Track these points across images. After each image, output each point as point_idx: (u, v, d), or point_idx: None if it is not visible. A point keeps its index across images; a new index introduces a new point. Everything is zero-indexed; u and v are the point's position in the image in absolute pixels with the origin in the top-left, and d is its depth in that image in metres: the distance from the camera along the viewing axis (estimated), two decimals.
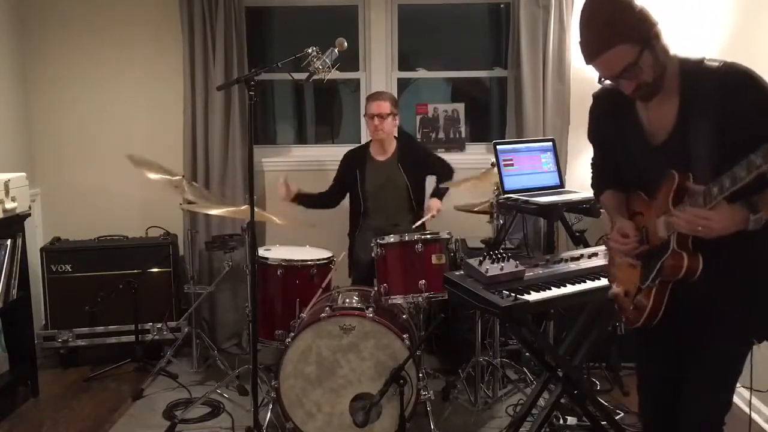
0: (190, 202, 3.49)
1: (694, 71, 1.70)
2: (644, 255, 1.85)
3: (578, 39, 1.74)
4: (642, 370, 2.12)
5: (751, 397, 2.08)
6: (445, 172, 3.71)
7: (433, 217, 3.53)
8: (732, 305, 1.75)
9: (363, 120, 4.28)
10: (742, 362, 1.82)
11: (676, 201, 1.71)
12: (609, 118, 1.92)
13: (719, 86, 1.63)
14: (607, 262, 2.12)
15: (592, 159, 2.13)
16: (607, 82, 1.75)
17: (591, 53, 1.71)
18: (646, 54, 1.65)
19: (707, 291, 1.75)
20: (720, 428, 1.83)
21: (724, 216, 1.59)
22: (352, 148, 3.87)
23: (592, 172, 2.14)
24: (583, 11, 1.73)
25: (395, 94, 4.16)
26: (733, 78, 1.64)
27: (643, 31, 1.66)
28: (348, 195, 3.79)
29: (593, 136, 2.03)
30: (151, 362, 3.71)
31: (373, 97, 3.65)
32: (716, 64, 1.68)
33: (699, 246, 1.69)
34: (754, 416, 3.08)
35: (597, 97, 1.97)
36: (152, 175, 3.37)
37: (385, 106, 3.58)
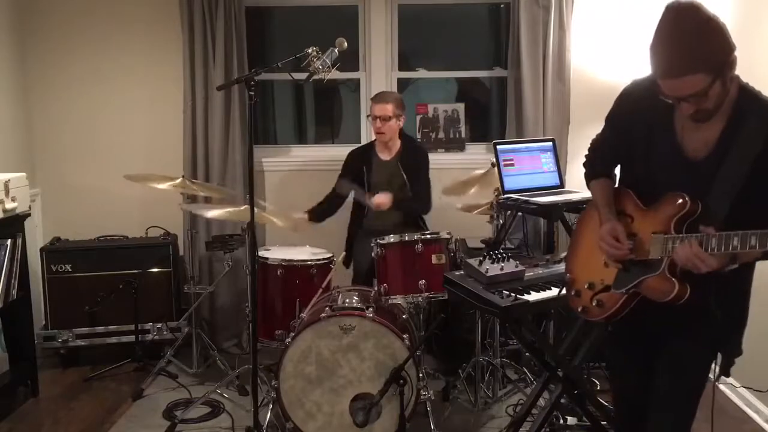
0: (192, 198, 3.49)
1: (750, 104, 1.67)
2: (626, 261, 1.83)
3: (655, 49, 1.63)
4: (613, 376, 2.12)
5: (714, 392, 2.06)
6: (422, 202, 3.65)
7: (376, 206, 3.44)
8: (700, 320, 1.75)
9: (364, 120, 4.30)
10: (706, 373, 1.82)
11: (678, 227, 1.69)
12: (642, 112, 1.84)
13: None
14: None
15: (598, 138, 2.04)
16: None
17: (666, 73, 1.63)
18: (717, 84, 1.59)
19: (677, 308, 1.74)
20: None
21: (715, 262, 1.62)
22: (357, 146, 3.86)
23: (589, 153, 2.05)
24: (669, 23, 1.61)
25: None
26: None
27: (722, 60, 1.59)
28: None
29: (614, 120, 1.95)
30: (151, 362, 3.70)
31: (376, 99, 3.61)
32: None
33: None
34: (754, 416, 3.08)
35: (637, 84, 1.87)
36: (160, 186, 3.41)
37: (388, 109, 3.54)
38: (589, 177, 2.03)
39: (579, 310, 1.93)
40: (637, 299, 1.78)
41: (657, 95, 1.71)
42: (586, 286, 1.92)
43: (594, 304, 1.87)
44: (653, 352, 1.86)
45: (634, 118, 1.86)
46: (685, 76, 1.58)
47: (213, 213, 3.31)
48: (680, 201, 1.69)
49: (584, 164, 2.07)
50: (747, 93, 1.69)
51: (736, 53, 1.60)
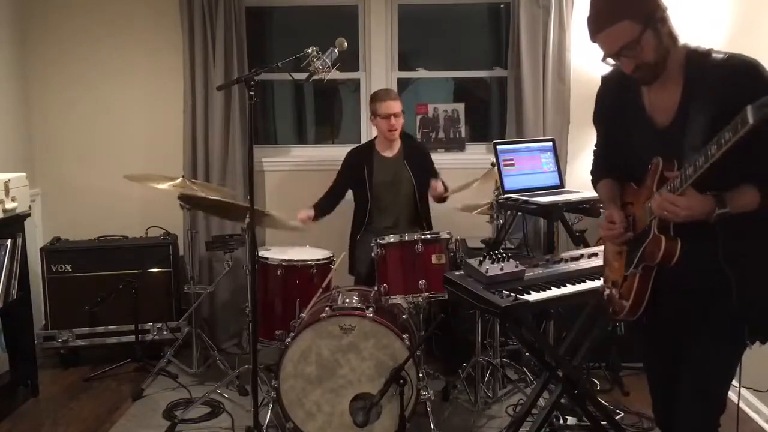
0: (191, 198, 3.51)
1: (700, 61, 1.72)
2: (631, 242, 1.87)
3: (587, 15, 1.76)
4: (646, 366, 2.13)
5: (739, 395, 2.07)
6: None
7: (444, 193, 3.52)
8: (721, 302, 1.74)
9: (364, 120, 4.29)
10: (733, 363, 1.81)
11: (660, 187, 1.73)
12: (614, 99, 1.94)
13: (725, 77, 1.64)
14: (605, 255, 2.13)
15: (594, 146, 2.15)
16: (610, 60, 1.76)
17: (594, 28, 1.73)
18: (648, 34, 1.67)
19: (696, 287, 1.76)
20: (713, 430, 1.83)
21: (692, 203, 1.63)
22: (356, 146, 3.86)
23: (592, 161, 2.16)
24: None
25: None
26: (739, 67, 1.65)
27: (648, 10, 1.68)
28: (352, 195, 3.77)
29: (597, 118, 2.05)
30: (151, 362, 3.70)
31: (383, 97, 3.60)
32: (722, 55, 1.69)
33: (687, 236, 1.70)
34: (754, 416, 3.08)
35: (605, 78, 1.98)
36: (160, 186, 3.42)
37: (398, 105, 3.59)
38: (594, 183, 2.12)
39: (611, 311, 1.95)
40: (652, 277, 1.79)
41: (623, 80, 1.81)
42: (611, 285, 1.96)
43: (618, 298, 1.90)
44: (678, 348, 1.86)
45: (609, 107, 1.96)
46: (612, 26, 1.68)
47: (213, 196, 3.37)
48: (654, 164, 1.75)
49: (591, 172, 2.15)
50: (696, 54, 1.74)
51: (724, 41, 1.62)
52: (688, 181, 1.60)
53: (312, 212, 3.62)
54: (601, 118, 2.03)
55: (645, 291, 1.80)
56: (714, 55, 1.71)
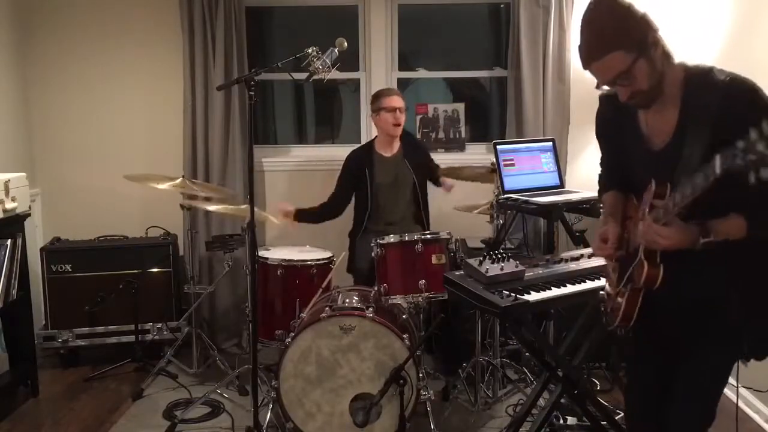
0: (192, 198, 3.50)
1: (698, 82, 1.68)
2: (624, 258, 1.87)
3: (579, 42, 1.73)
4: (631, 372, 2.12)
5: (738, 395, 2.07)
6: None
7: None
8: (720, 318, 1.73)
9: (364, 120, 4.29)
10: (725, 376, 1.81)
11: (652, 210, 1.71)
12: (612, 117, 1.92)
13: (722, 99, 1.61)
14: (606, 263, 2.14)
15: (600, 158, 2.14)
16: (605, 87, 1.74)
17: (586, 59, 1.71)
18: (640, 62, 1.63)
19: (693, 301, 1.75)
20: None
21: (673, 234, 1.63)
22: (356, 148, 3.85)
23: (599, 172, 2.16)
24: (583, 15, 1.71)
25: None
26: (737, 90, 1.61)
27: (639, 38, 1.63)
28: (354, 196, 3.77)
29: (599, 134, 2.05)
30: (151, 362, 3.70)
31: (388, 92, 3.63)
32: (722, 76, 1.64)
33: (682, 256, 1.68)
34: (755, 416, 3.08)
35: (602, 98, 1.96)
36: (160, 186, 3.42)
37: (402, 102, 3.61)
38: (600, 194, 2.12)
39: (605, 321, 1.96)
40: (641, 295, 1.79)
41: (619, 100, 1.78)
42: (606, 296, 1.97)
43: (611, 310, 1.91)
44: (671, 358, 1.86)
45: (609, 125, 1.96)
46: (604, 57, 1.65)
47: (213, 207, 3.39)
48: (648, 186, 1.73)
49: (598, 182, 2.15)
50: (694, 73, 1.71)
51: (722, 53, 1.59)
52: (669, 213, 1.60)
53: (292, 208, 3.62)
54: (603, 135, 2.03)
55: (633, 308, 1.81)
56: (715, 75, 1.65)
